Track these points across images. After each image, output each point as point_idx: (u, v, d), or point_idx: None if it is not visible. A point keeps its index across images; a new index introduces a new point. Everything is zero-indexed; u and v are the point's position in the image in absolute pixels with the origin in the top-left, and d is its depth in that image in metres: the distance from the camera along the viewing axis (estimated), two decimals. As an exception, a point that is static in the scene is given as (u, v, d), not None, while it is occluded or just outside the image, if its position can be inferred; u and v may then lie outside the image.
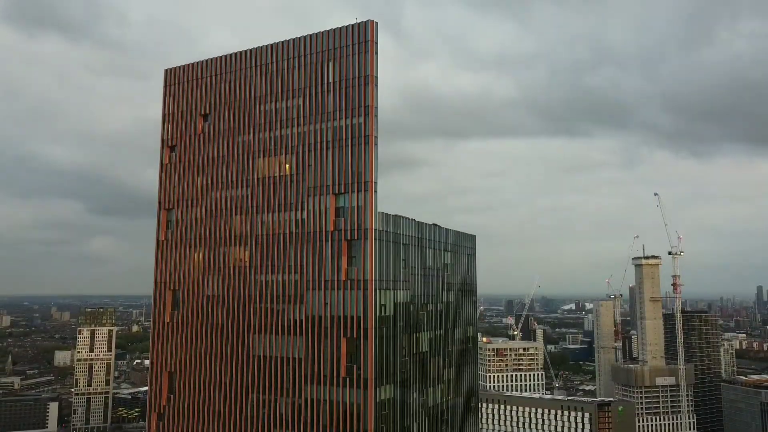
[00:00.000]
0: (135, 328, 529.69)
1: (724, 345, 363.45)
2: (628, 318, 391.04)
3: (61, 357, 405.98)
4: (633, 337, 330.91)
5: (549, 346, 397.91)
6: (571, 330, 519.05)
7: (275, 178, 61.19)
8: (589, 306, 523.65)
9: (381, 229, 57.18)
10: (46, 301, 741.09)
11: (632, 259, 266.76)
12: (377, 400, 54.30)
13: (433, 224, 68.75)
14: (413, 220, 63.60)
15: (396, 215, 60.28)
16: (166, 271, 66.69)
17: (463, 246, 74.78)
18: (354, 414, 54.10)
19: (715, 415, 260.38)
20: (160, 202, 68.09)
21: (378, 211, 56.74)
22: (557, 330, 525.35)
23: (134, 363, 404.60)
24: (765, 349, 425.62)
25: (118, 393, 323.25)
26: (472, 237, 77.57)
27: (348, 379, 54.83)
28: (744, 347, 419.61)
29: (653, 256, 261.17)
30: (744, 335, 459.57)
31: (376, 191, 56.08)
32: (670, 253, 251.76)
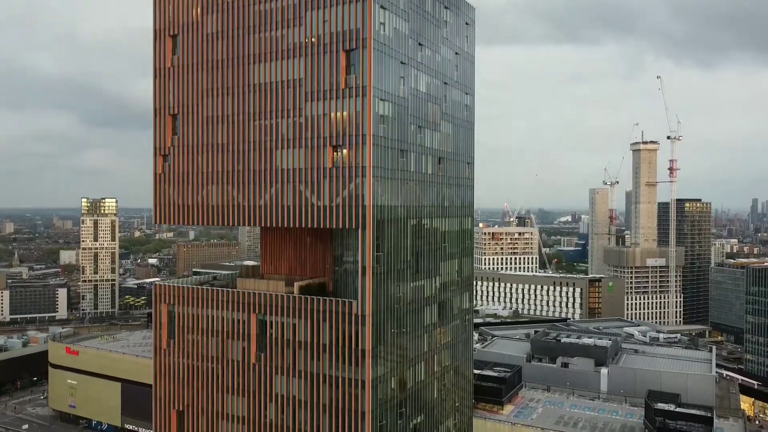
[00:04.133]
0: (137, 234, 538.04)
1: (715, 244, 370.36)
2: (624, 228, 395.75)
3: (66, 256, 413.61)
4: (627, 235, 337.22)
5: (545, 249, 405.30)
6: (566, 237, 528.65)
7: None
8: (585, 218, 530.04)
9: (380, -54, 56.86)
10: (47, 213, 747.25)
11: (630, 144, 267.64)
12: (375, 112, 55.95)
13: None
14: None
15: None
16: (165, 18, 66.85)
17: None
18: (353, 124, 55.82)
19: (701, 295, 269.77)
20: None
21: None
22: (553, 237, 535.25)
23: (137, 261, 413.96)
24: (755, 252, 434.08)
25: (124, 284, 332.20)
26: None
27: (348, 90, 56.26)
28: (735, 251, 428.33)
29: (651, 141, 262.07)
30: (735, 240, 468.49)
31: None
32: (669, 137, 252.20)
